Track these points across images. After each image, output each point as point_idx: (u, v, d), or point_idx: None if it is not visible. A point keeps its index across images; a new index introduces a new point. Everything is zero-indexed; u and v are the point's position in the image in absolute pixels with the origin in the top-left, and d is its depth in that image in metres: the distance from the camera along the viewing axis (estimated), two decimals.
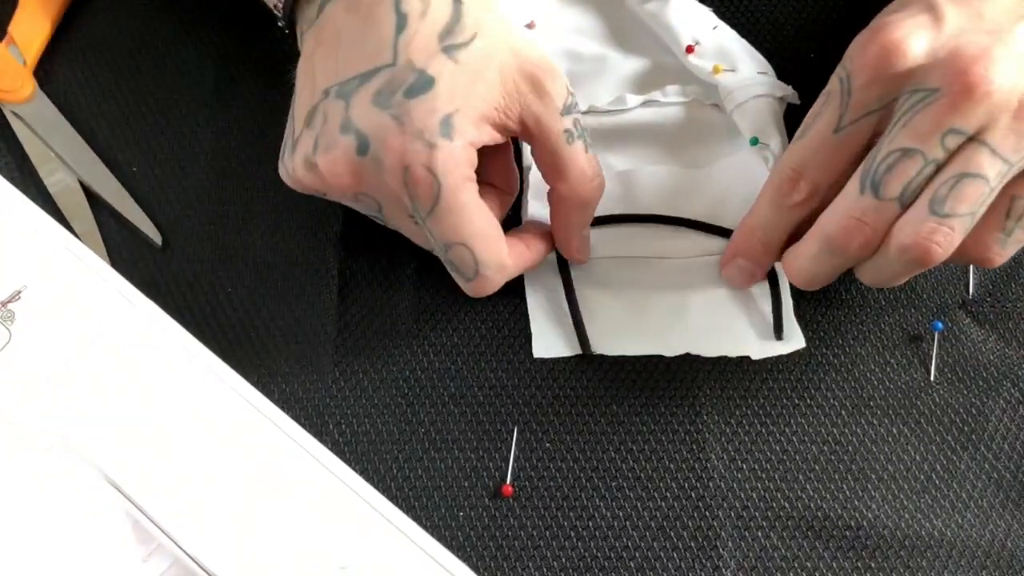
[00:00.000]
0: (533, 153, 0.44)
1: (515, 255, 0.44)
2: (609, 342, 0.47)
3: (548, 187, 0.45)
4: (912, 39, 0.39)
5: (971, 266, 0.49)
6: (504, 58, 0.41)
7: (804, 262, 0.43)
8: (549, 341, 0.47)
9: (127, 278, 0.48)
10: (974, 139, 0.37)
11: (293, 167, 0.42)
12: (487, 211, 0.42)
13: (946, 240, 0.38)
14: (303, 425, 0.45)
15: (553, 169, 0.44)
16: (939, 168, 0.38)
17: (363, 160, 0.40)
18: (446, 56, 0.40)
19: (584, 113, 0.52)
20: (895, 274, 0.41)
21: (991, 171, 0.37)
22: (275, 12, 0.46)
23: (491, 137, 0.42)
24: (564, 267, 0.48)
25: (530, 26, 0.55)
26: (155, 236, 0.50)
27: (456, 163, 0.40)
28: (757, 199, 0.45)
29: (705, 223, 0.49)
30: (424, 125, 0.39)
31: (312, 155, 0.41)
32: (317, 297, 0.48)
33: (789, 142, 0.49)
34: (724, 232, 0.49)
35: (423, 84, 0.39)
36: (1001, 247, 0.40)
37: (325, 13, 0.42)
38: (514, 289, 0.48)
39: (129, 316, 0.39)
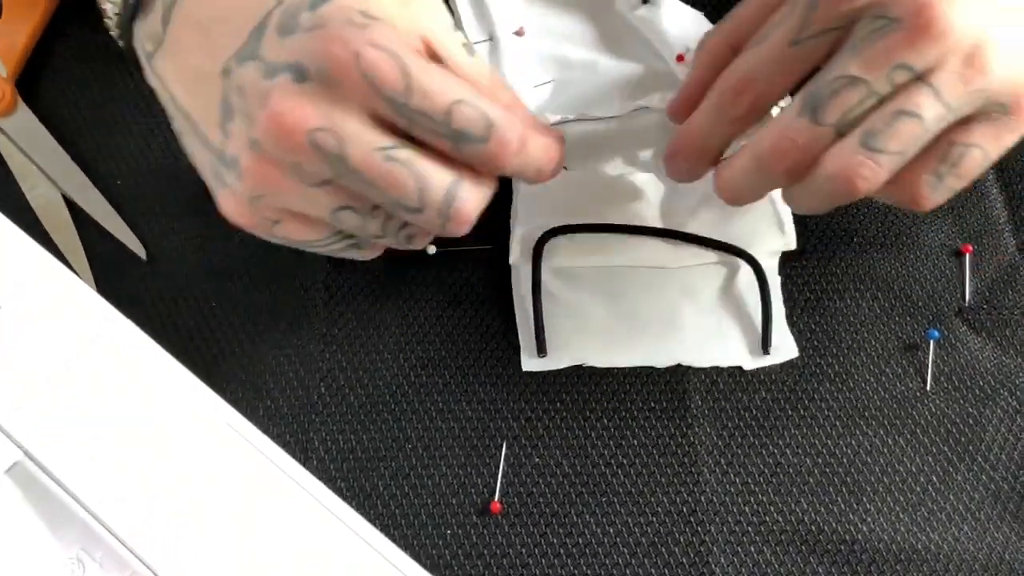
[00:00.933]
0: None
1: (528, 123, 0.38)
2: (599, 354, 0.47)
3: None
4: None
5: (967, 273, 0.49)
6: None
7: (733, 174, 0.41)
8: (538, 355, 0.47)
9: (111, 293, 0.48)
10: (921, 79, 0.36)
11: (241, 170, 0.36)
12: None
13: (872, 174, 0.37)
14: (288, 442, 0.44)
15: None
16: (881, 101, 0.37)
17: (307, 86, 0.35)
18: None
19: (574, 120, 0.52)
20: (820, 202, 0.40)
21: (930, 113, 0.37)
22: (118, 40, 0.42)
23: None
24: (536, 268, 0.47)
25: (519, 32, 0.55)
26: (139, 250, 0.49)
27: (401, 35, 0.35)
28: (700, 106, 0.42)
29: (695, 235, 0.48)
30: (347, 16, 0.35)
31: (252, 131, 0.35)
32: (303, 311, 0.48)
33: None
34: (715, 244, 0.48)
35: None
36: (931, 190, 0.39)
37: (173, 27, 0.39)
38: (502, 302, 0.48)
39: (108, 337, 0.39)
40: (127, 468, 0.36)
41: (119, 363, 0.38)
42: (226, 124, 0.37)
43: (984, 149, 0.38)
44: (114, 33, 0.42)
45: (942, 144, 0.38)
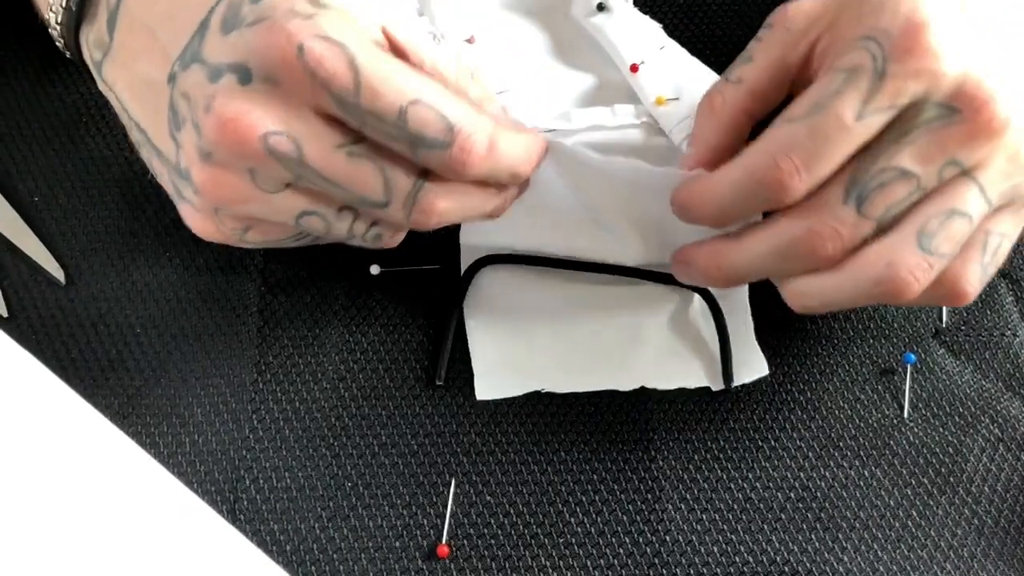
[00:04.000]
0: None
1: (500, 121, 0.36)
2: (558, 379, 0.44)
3: None
4: (942, 31, 0.34)
5: None
6: None
7: (744, 259, 0.38)
8: (494, 380, 0.44)
9: (25, 319, 0.44)
10: (967, 174, 0.35)
11: (195, 184, 0.34)
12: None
13: (924, 277, 0.36)
14: (217, 479, 0.41)
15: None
16: (924, 196, 0.35)
17: (252, 87, 0.32)
18: None
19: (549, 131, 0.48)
20: (852, 299, 0.37)
21: (977, 212, 0.36)
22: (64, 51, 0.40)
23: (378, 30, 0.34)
24: (462, 289, 0.45)
25: (470, 40, 0.52)
26: (58, 273, 0.45)
27: (351, 22, 0.33)
28: (722, 176, 0.37)
29: (647, 271, 0.45)
30: (292, 5, 0.32)
31: (200, 141, 0.33)
32: (235, 337, 0.44)
33: None
34: (667, 279, 0.45)
35: None
36: (978, 282, 0.38)
37: (119, 32, 0.36)
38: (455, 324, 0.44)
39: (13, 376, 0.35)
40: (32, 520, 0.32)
41: (26, 412, 0.34)
42: (176, 134, 0.35)
43: (1011, 237, 0.38)
44: (59, 43, 0.40)
45: (980, 235, 0.37)
